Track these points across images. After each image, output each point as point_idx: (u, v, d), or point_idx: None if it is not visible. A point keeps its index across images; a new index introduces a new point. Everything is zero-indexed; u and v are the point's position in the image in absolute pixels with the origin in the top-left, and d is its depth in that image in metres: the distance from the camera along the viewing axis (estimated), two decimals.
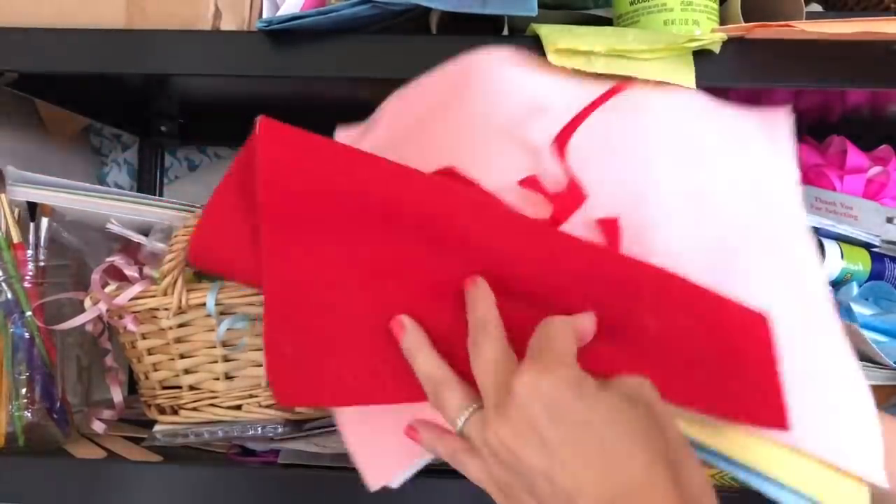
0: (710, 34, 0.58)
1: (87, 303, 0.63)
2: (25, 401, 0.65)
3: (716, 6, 0.62)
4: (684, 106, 0.53)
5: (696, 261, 0.46)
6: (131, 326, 0.62)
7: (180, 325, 0.61)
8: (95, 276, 0.64)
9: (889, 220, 0.73)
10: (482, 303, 0.44)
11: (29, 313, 0.65)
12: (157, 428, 0.64)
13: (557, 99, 0.52)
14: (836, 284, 0.65)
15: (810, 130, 0.77)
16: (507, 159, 0.50)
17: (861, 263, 0.66)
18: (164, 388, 0.64)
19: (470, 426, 0.43)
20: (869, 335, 0.56)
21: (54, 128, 0.92)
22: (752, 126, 0.54)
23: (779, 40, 0.57)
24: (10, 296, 0.65)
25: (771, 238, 0.49)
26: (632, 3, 0.62)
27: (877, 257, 0.67)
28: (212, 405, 0.63)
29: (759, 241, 0.49)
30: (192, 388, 0.63)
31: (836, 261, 0.64)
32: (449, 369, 0.45)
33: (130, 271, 0.63)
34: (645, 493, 0.38)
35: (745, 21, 0.61)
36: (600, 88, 0.53)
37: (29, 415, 0.65)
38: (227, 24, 0.64)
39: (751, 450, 0.47)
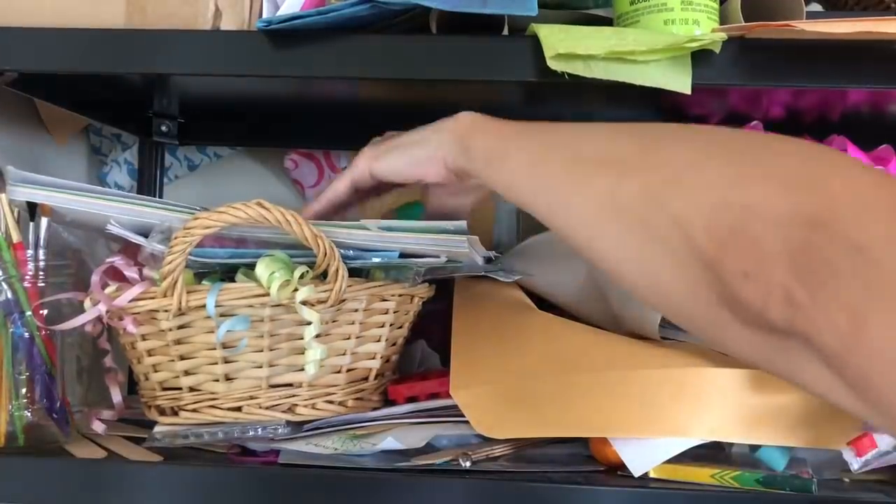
0: (711, 34, 0.58)
1: (87, 304, 0.63)
2: (25, 400, 0.65)
3: (716, 6, 0.62)
4: None
5: None
6: (131, 328, 0.62)
7: (180, 327, 0.61)
8: (95, 277, 0.64)
9: None
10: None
11: (29, 313, 0.65)
12: (157, 429, 0.64)
13: None
14: None
15: (810, 130, 0.77)
16: None
17: None
18: (164, 389, 0.64)
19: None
20: None
21: (54, 128, 0.92)
22: None
23: (779, 40, 0.57)
24: (9, 295, 0.65)
25: None
26: (632, 3, 0.62)
27: None
28: (212, 407, 0.63)
29: None
30: (192, 389, 0.63)
31: None
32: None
33: (130, 272, 0.63)
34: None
35: (745, 21, 0.61)
36: None
37: (29, 414, 0.65)
38: (227, 24, 0.64)
39: None
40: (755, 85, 0.60)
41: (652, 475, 0.59)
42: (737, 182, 0.39)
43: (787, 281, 0.35)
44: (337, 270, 0.60)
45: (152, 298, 0.60)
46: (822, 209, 0.35)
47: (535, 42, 0.58)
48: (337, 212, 0.67)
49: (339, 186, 0.65)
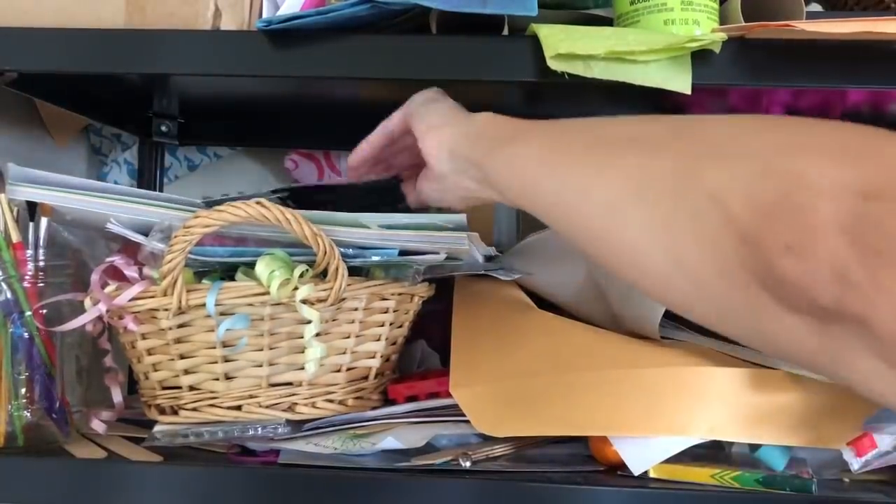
0: (711, 34, 0.58)
1: (87, 303, 0.63)
2: (25, 400, 0.65)
3: (716, 6, 0.62)
4: None
5: None
6: (131, 327, 0.62)
7: (180, 326, 0.61)
8: (95, 277, 0.64)
9: None
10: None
11: (28, 313, 0.65)
12: (156, 428, 0.64)
13: None
14: None
15: None
16: None
17: None
18: (164, 388, 0.64)
19: None
20: None
21: (54, 128, 0.92)
22: None
23: (779, 40, 0.57)
24: (9, 295, 0.65)
25: None
26: (632, 3, 0.62)
27: None
28: (212, 405, 0.63)
29: None
30: (191, 388, 0.63)
31: None
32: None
33: (130, 271, 0.63)
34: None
35: (745, 21, 0.61)
36: None
37: (28, 415, 0.65)
38: (227, 24, 0.64)
39: None
40: (755, 85, 0.60)
41: (652, 475, 0.59)
42: (782, 151, 0.35)
43: (838, 255, 0.31)
44: (337, 269, 0.60)
45: (152, 297, 0.60)
46: (879, 178, 0.32)
47: (535, 42, 0.58)
48: (389, 150, 0.67)
49: (393, 118, 0.65)
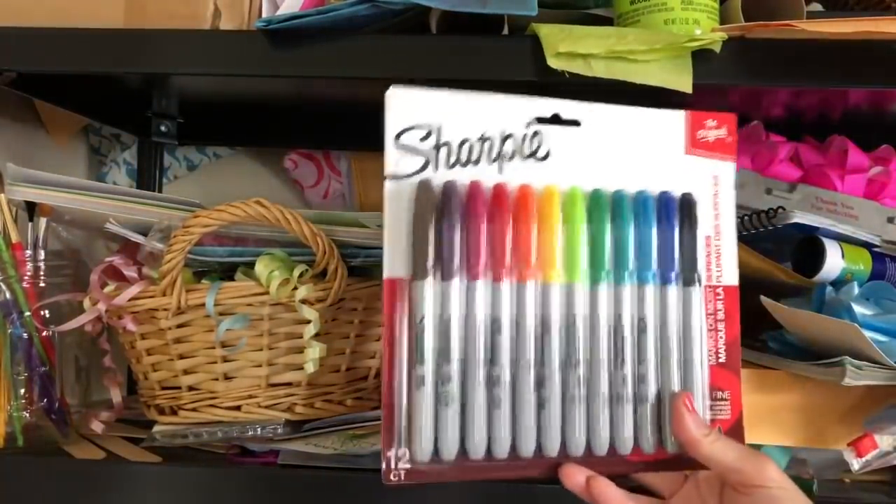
0: (711, 33, 0.58)
1: (86, 303, 0.63)
2: (24, 401, 0.65)
3: (716, 5, 0.62)
4: None
5: None
6: (130, 327, 0.62)
7: (179, 326, 0.61)
8: (94, 277, 0.64)
9: (890, 220, 0.73)
10: None
11: (27, 313, 0.65)
12: (156, 428, 0.64)
13: None
14: (837, 284, 0.64)
15: (811, 130, 0.77)
16: None
17: (862, 263, 0.66)
18: (164, 388, 0.64)
19: None
20: (869, 335, 0.56)
21: (54, 128, 0.92)
22: None
23: (779, 40, 0.57)
24: (8, 296, 0.65)
25: None
26: (632, 3, 0.62)
27: (877, 257, 0.67)
28: (211, 406, 0.63)
29: None
30: (191, 388, 0.63)
31: (836, 261, 0.64)
32: None
33: (129, 271, 0.63)
34: None
35: (746, 20, 0.61)
36: None
37: (27, 415, 0.65)
38: (226, 24, 0.64)
39: None
40: (755, 84, 0.60)
41: None
42: None
43: None
44: (336, 269, 0.60)
45: (151, 297, 0.60)
46: None
47: (535, 42, 0.58)
48: None
49: None
